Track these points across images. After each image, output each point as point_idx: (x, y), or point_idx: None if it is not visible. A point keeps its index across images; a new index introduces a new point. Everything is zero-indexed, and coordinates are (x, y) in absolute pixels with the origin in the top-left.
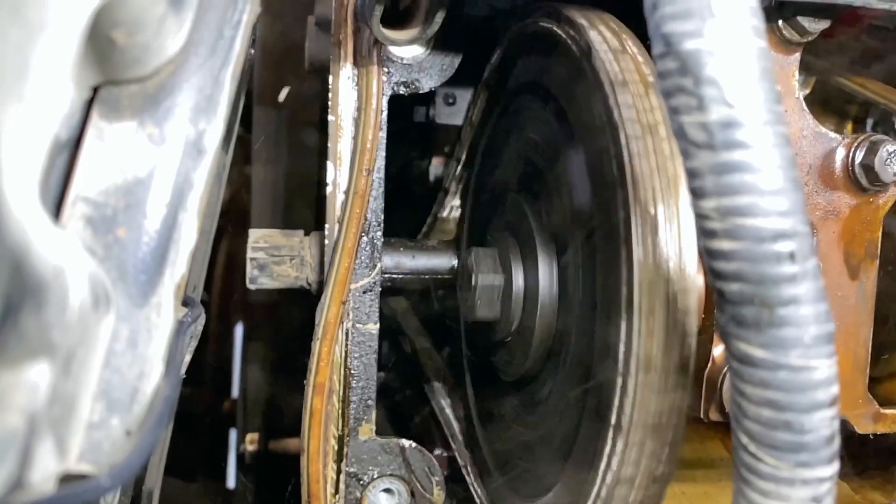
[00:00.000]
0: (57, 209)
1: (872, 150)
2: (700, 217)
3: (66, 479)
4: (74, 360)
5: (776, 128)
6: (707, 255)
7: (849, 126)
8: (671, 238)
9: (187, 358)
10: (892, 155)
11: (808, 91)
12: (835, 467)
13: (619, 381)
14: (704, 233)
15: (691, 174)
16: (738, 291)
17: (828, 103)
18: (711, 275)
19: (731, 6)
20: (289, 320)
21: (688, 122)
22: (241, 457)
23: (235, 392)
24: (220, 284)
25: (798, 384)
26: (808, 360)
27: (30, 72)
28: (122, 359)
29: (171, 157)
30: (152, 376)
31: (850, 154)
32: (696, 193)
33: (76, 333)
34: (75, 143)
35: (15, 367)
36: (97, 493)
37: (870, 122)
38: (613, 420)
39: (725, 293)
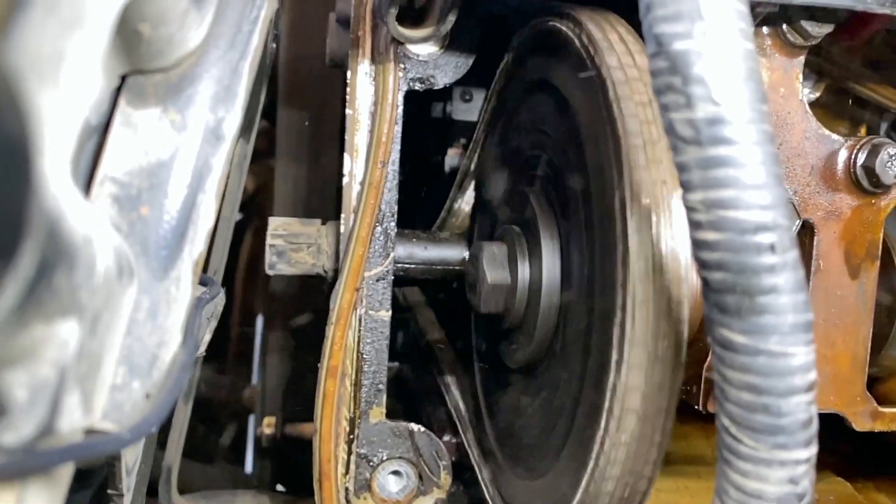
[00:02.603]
0: (87, 188)
1: (874, 152)
2: (688, 209)
3: (89, 433)
4: (100, 323)
5: (760, 125)
6: (693, 245)
7: (863, 130)
8: (665, 230)
9: (207, 337)
10: (893, 158)
11: (818, 94)
12: (812, 450)
13: (613, 365)
14: (691, 224)
15: (680, 168)
16: (721, 280)
17: (842, 108)
18: (697, 264)
19: (719, 10)
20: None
21: (677, 118)
22: (258, 440)
23: (255, 379)
24: (244, 277)
25: (776, 369)
26: (786, 347)
27: (65, 60)
28: (143, 327)
29: (191, 142)
30: (171, 345)
31: (852, 156)
32: (684, 186)
33: (102, 297)
34: (104, 128)
35: (48, 322)
36: (118, 445)
37: (884, 126)
38: (607, 403)
39: (709, 281)
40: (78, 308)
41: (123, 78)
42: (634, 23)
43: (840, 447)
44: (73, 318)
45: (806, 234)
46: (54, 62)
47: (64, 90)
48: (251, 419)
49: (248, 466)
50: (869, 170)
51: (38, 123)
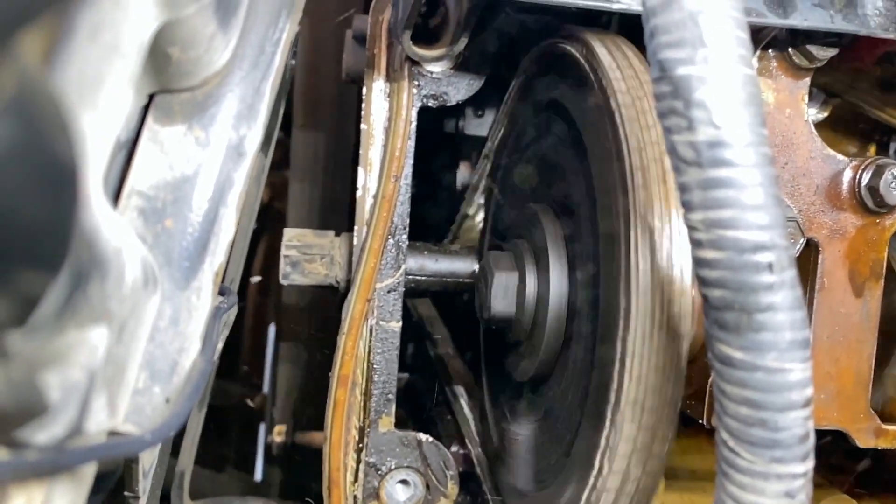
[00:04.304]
0: (114, 200)
1: (878, 172)
2: (689, 228)
3: (112, 435)
4: (126, 330)
5: (759, 148)
6: (694, 263)
7: (872, 150)
8: (667, 248)
9: (220, 345)
10: None
11: (826, 114)
12: (808, 465)
13: (616, 376)
14: (692, 242)
15: (681, 188)
16: (721, 297)
17: (851, 127)
18: (698, 281)
19: (721, 37)
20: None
21: (679, 141)
22: (268, 448)
23: (266, 388)
24: (257, 286)
25: (773, 385)
26: (783, 363)
27: (104, 84)
28: (165, 334)
29: (214, 158)
30: (190, 352)
31: (857, 176)
32: (686, 206)
33: (129, 306)
34: (132, 143)
35: (81, 328)
36: (140, 447)
37: (893, 146)
38: (609, 414)
39: (709, 299)
40: (108, 315)
41: (151, 96)
42: (642, 45)
43: (847, 465)
44: (103, 325)
45: (810, 252)
46: (95, 86)
47: (102, 112)
48: (261, 427)
49: (258, 474)
50: (873, 190)
51: (83, 146)
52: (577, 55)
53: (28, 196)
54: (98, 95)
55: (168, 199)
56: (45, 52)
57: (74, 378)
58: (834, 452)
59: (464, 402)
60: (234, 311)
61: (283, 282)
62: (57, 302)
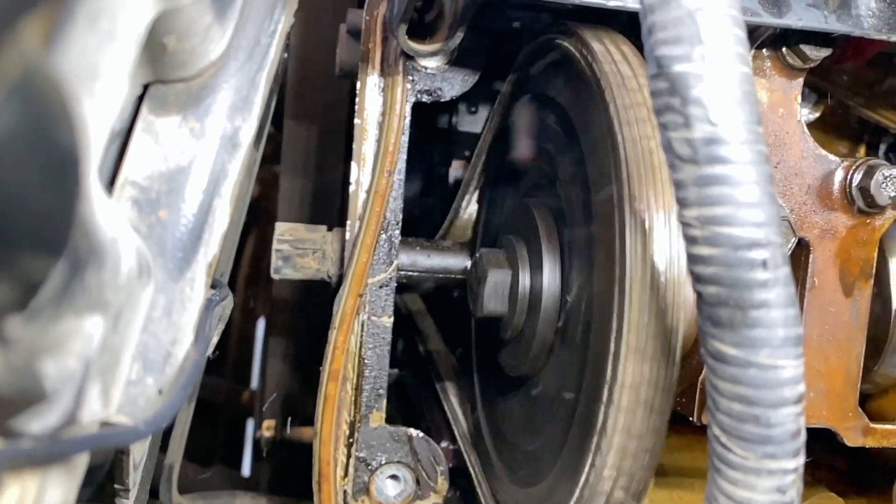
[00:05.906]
0: (108, 191)
1: (869, 173)
2: (683, 224)
3: (105, 425)
4: (121, 320)
5: (755, 146)
6: (689, 260)
7: (862, 150)
8: (662, 244)
9: (215, 339)
10: (888, 179)
11: (817, 115)
12: (799, 461)
13: (609, 372)
14: (687, 239)
15: (677, 185)
16: (715, 294)
17: (842, 128)
18: (692, 278)
19: (718, 35)
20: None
21: (675, 137)
22: (256, 443)
23: (255, 383)
24: (245, 280)
25: (766, 381)
26: (776, 360)
27: (101, 72)
28: (159, 325)
29: (209, 149)
30: (183, 343)
31: (848, 176)
32: (681, 203)
33: (124, 295)
34: (125, 134)
35: (78, 316)
36: (134, 437)
37: (882, 147)
38: (602, 411)
39: (703, 295)
40: (103, 304)
41: (146, 87)
42: (638, 41)
43: (834, 463)
44: (98, 314)
45: (802, 251)
46: (92, 74)
47: (98, 100)
48: (250, 422)
49: (246, 469)
50: (864, 190)
51: (85, 131)
52: (573, 51)
53: (32, 180)
54: (95, 83)
55: (162, 189)
56: (45, 38)
57: (70, 366)
58: (821, 450)
59: (454, 397)
60: (230, 305)
61: (275, 276)
62: (55, 289)
